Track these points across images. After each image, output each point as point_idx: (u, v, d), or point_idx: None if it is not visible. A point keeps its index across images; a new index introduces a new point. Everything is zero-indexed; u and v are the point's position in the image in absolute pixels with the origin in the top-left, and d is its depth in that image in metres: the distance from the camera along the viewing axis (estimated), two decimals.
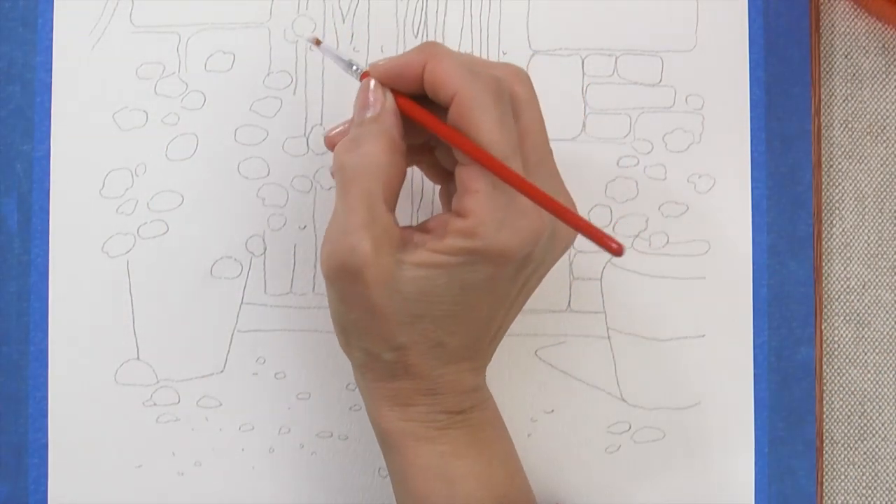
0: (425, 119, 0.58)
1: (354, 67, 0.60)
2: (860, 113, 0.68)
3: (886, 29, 0.68)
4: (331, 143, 0.60)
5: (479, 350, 0.59)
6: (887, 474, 0.68)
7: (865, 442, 0.68)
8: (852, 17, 0.69)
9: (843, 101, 0.68)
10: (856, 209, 0.68)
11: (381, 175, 0.57)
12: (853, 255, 0.68)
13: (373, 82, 0.59)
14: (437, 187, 0.63)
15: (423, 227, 0.58)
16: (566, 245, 0.60)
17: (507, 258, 0.56)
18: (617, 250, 0.53)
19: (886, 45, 0.69)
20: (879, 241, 0.68)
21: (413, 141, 0.59)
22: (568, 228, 0.57)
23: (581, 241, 0.67)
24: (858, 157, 0.68)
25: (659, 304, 0.67)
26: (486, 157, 0.56)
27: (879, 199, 0.68)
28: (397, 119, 0.58)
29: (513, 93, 0.58)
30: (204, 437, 0.66)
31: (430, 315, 0.57)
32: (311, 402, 0.66)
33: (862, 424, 0.68)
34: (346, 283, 0.57)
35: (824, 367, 0.68)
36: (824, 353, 0.68)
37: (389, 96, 0.59)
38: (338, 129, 0.60)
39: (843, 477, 0.68)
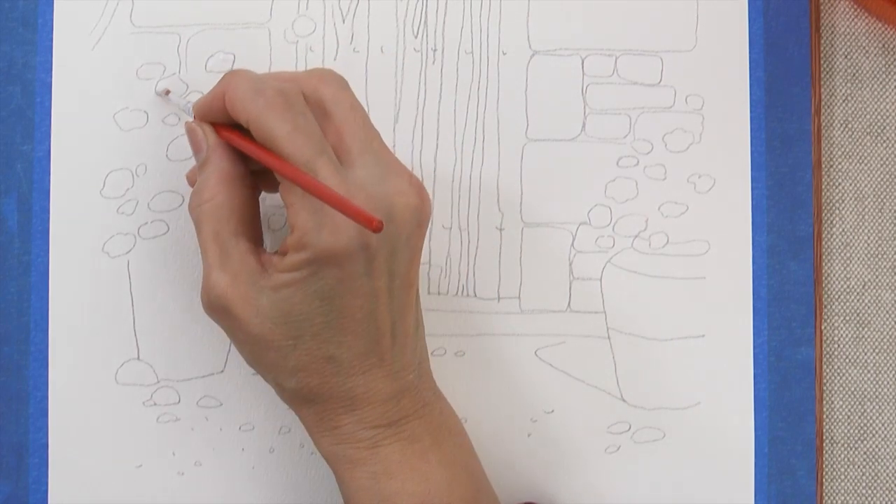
0: (243, 146, 0.59)
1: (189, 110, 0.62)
2: (860, 113, 0.68)
3: (886, 29, 0.68)
4: (192, 181, 0.63)
5: (383, 355, 0.59)
6: (887, 474, 0.68)
7: (865, 442, 0.68)
8: (852, 17, 0.69)
9: (843, 101, 0.68)
10: (856, 209, 0.68)
11: (222, 213, 0.58)
12: (853, 255, 0.68)
13: (192, 125, 0.61)
14: None
15: (280, 248, 0.58)
16: (417, 222, 0.58)
17: (342, 256, 0.56)
18: (377, 227, 0.53)
19: (886, 45, 0.69)
20: (879, 241, 0.68)
21: (256, 166, 0.60)
22: (411, 207, 0.57)
23: (581, 241, 0.67)
24: (858, 157, 0.68)
25: (659, 304, 0.67)
26: (279, 165, 0.57)
27: (879, 199, 0.68)
28: (225, 151, 0.60)
29: (318, 96, 0.59)
30: (204, 437, 0.66)
31: (307, 333, 0.57)
32: None
33: (862, 424, 0.68)
34: (221, 319, 0.59)
35: (824, 367, 0.68)
36: (824, 353, 0.68)
37: (210, 133, 0.60)
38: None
39: (843, 477, 0.68)
